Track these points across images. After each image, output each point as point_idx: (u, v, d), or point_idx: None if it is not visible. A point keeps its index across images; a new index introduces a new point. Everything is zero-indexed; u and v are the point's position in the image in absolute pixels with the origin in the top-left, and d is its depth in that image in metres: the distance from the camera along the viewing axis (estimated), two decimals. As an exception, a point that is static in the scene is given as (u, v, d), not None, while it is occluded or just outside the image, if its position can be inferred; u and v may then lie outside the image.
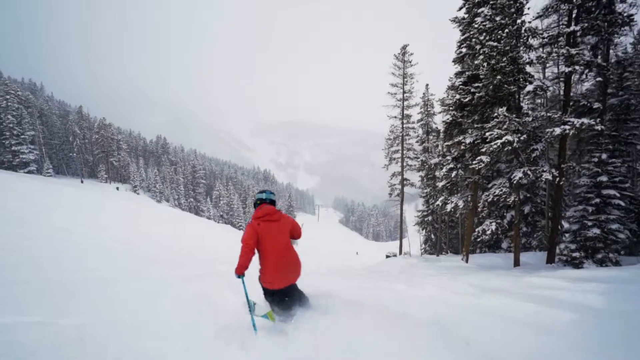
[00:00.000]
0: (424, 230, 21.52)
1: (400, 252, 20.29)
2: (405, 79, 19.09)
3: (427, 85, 21.63)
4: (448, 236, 20.59)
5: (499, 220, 9.93)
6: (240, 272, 2.89)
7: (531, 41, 9.23)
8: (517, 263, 9.75)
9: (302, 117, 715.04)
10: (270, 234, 3.03)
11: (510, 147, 8.49)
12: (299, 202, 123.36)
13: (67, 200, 22.26)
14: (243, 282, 3.04)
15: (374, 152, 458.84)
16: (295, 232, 3.31)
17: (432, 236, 20.98)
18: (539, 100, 12.43)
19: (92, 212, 19.46)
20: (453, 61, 11.92)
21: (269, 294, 3.21)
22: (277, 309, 3.21)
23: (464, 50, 11.50)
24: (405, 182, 19.49)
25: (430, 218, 20.78)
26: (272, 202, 3.30)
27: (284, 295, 3.18)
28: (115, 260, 8.35)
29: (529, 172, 8.40)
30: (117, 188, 48.06)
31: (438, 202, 12.29)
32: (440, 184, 12.34)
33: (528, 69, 9.41)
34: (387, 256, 18.09)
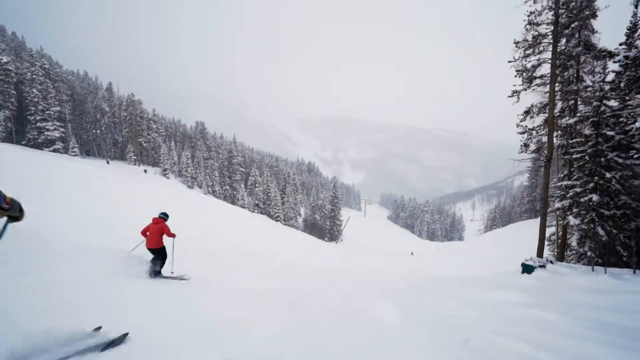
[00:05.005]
0: (578, 220, 11.70)
1: (541, 255, 10.89)
2: None
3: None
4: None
5: None
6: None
7: None
8: None
9: (348, 113, 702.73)
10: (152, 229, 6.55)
11: None
12: (345, 198, 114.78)
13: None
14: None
15: (421, 149, 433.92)
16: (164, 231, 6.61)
17: (601, 231, 11.14)
18: None
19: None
20: None
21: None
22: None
23: None
24: (556, 125, 9.97)
25: (594, 197, 10.98)
26: (162, 217, 6.76)
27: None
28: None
29: None
30: (145, 171, 43.62)
31: None
32: None
33: None
34: (529, 267, 8.98)
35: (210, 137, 66.65)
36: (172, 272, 6.90)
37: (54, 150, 39.50)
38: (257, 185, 52.97)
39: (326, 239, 52.36)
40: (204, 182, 50.60)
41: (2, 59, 36.75)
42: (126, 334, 2.88)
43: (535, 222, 42.81)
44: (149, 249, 6.50)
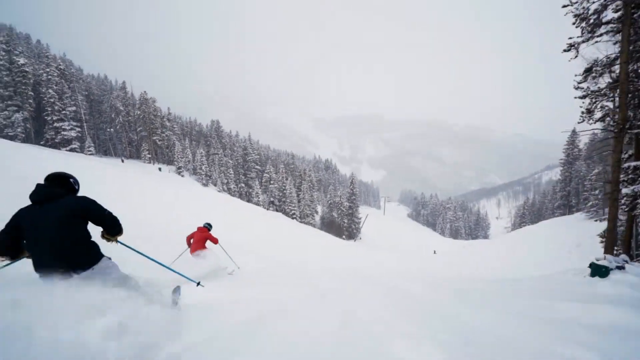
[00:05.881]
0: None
1: (612, 252, 8.65)
2: None
3: None
4: None
5: None
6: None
7: None
8: None
9: (365, 111, 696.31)
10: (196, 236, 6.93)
11: None
12: (363, 196, 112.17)
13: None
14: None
15: (441, 146, 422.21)
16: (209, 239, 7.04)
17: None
18: None
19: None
20: None
21: None
22: None
23: None
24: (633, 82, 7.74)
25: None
26: (206, 227, 7.20)
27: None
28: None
29: None
30: (160, 169, 43.32)
31: None
32: None
33: None
34: (602, 268, 6.88)
35: (225, 135, 66.23)
36: (239, 267, 8.30)
37: (71, 150, 39.72)
38: (271, 182, 51.79)
39: (344, 237, 50.52)
40: (219, 179, 49.89)
41: (19, 61, 37.15)
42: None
43: (571, 219, 39.31)
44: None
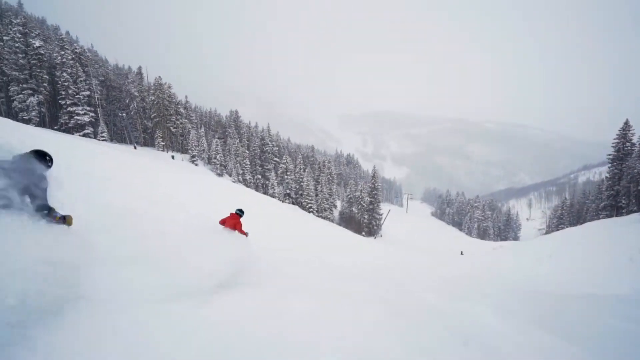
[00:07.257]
0: None
1: None
2: None
3: None
4: None
5: None
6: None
7: None
8: None
9: (389, 107, 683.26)
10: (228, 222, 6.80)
11: None
12: (386, 193, 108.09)
13: None
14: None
15: (468, 143, 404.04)
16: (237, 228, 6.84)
17: None
18: None
19: None
20: None
21: None
22: None
23: None
24: None
25: None
26: (237, 214, 7.00)
27: None
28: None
29: None
30: (173, 157, 41.89)
31: None
32: None
33: None
34: None
35: (243, 126, 64.49)
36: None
37: (84, 135, 38.90)
38: (288, 173, 49.30)
39: (363, 233, 47.35)
40: (234, 170, 48.00)
41: (34, 44, 36.56)
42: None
43: (623, 221, 33.85)
44: None
